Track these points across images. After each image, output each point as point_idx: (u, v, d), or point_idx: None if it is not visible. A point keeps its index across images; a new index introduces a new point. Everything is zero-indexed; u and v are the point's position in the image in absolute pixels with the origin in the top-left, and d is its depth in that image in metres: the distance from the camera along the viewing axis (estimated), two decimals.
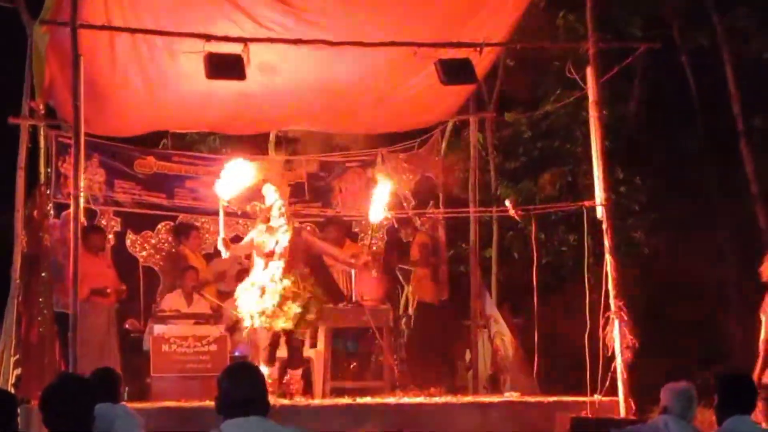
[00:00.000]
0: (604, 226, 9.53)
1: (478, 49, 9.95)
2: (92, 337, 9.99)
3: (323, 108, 11.29)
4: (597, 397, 9.10)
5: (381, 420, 9.01)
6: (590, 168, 10.01)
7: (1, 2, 10.58)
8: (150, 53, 10.02)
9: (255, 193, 10.08)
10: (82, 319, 8.87)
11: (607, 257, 9.44)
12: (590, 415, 8.85)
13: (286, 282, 9.53)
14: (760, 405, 7.40)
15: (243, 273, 10.51)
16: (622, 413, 9.07)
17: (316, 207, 12.27)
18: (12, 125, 10.11)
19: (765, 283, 8.55)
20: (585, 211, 9.77)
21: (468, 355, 11.73)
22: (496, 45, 10.80)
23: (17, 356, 9.53)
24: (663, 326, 14.16)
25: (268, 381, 8.96)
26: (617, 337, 9.19)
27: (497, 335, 11.32)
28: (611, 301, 9.31)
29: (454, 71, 9.82)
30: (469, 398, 10.09)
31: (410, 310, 11.53)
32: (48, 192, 10.64)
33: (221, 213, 9.64)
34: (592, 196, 9.82)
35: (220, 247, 9.67)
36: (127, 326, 11.09)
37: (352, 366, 10.52)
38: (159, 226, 11.96)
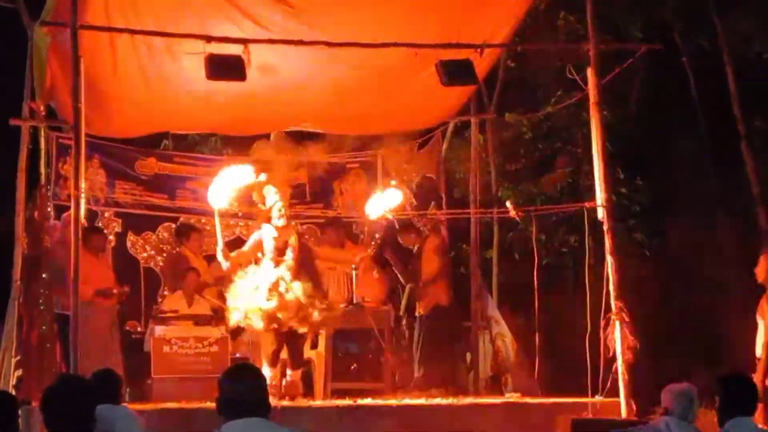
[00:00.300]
0: (605, 227, 9.53)
1: (479, 50, 9.95)
2: (95, 338, 9.99)
3: (324, 109, 11.30)
4: (598, 398, 9.11)
5: (382, 422, 9.00)
6: (591, 169, 10.01)
7: (2, 3, 10.58)
8: (150, 54, 10.03)
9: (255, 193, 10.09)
10: (85, 321, 8.89)
11: (608, 258, 9.44)
12: (591, 417, 8.85)
13: (297, 284, 9.56)
14: (761, 408, 7.40)
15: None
16: (623, 414, 9.06)
17: (317, 208, 12.27)
18: (13, 126, 10.10)
19: (761, 284, 8.56)
20: (586, 212, 9.78)
21: (469, 356, 11.72)
22: (497, 46, 10.81)
23: (18, 358, 9.52)
24: (664, 327, 14.16)
25: (271, 383, 9.03)
26: (618, 338, 9.19)
27: (498, 336, 11.32)
28: (612, 302, 9.31)
29: (455, 72, 9.82)
30: (470, 399, 10.08)
31: (417, 312, 11.43)
32: (48, 193, 10.63)
33: (217, 222, 9.64)
34: (592, 198, 9.82)
35: (220, 258, 9.69)
36: (127, 328, 11.09)
37: (352, 367, 10.52)
38: (160, 228, 11.96)
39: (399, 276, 11.49)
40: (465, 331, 11.66)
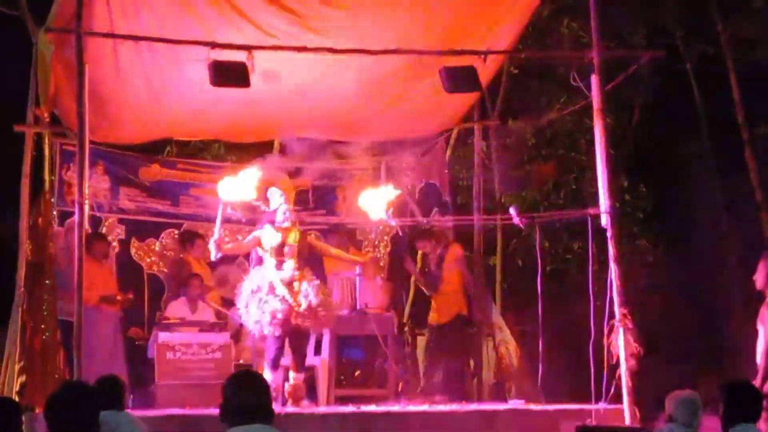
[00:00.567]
0: (609, 233, 9.52)
1: (483, 57, 9.96)
2: (100, 344, 9.99)
3: (328, 116, 11.30)
4: (602, 405, 9.09)
5: (386, 428, 9.00)
6: (595, 176, 10.01)
7: (7, 10, 10.61)
8: (154, 61, 10.04)
9: (259, 198, 10.10)
10: (88, 327, 8.88)
11: (612, 265, 9.43)
12: (595, 424, 8.83)
13: (304, 284, 9.59)
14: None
15: None
16: (627, 421, 9.05)
17: (320, 215, 12.27)
18: (17, 133, 10.12)
19: (759, 291, 8.55)
20: (589, 218, 9.77)
21: (472, 363, 11.71)
22: (501, 53, 10.83)
23: (21, 364, 9.54)
24: (668, 334, 14.15)
25: (272, 386, 9.03)
26: (622, 345, 9.18)
27: (502, 343, 11.31)
28: (616, 308, 9.30)
29: (459, 79, 9.82)
30: (473, 406, 10.08)
31: (433, 320, 11.39)
32: (52, 200, 10.63)
33: (219, 213, 9.66)
34: (596, 204, 9.82)
35: (211, 247, 9.70)
36: (130, 335, 11.09)
37: (356, 374, 10.51)
38: (163, 234, 11.96)
39: (424, 288, 11.49)
40: (469, 337, 11.66)
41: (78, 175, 8.93)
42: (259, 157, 10.79)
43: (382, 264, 12.33)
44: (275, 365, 9.67)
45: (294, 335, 9.69)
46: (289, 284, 9.60)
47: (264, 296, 9.56)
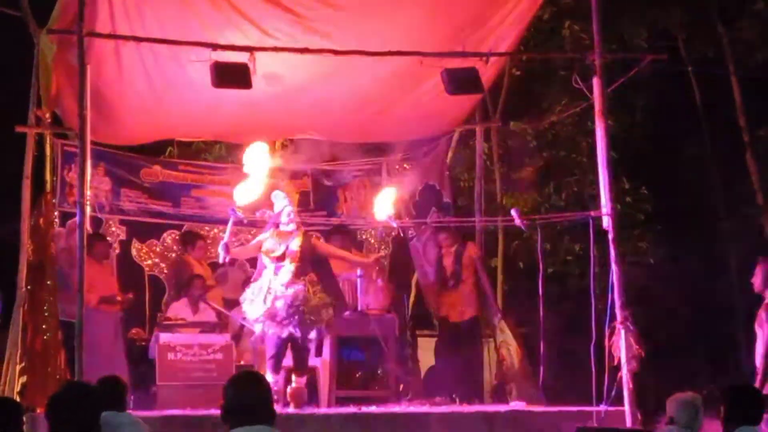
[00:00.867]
0: (610, 235, 9.52)
1: (485, 58, 9.96)
2: (100, 345, 9.99)
3: (329, 117, 11.30)
4: (603, 407, 9.09)
5: (387, 429, 9.00)
6: (596, 178, 10.01)
7: (9, 11, 10.61)
8: (156, 62, 10.04)
9: (263, 202, 10.11)
10: (89, 328, 8.88)
11: (613, 266, 9.43)
12: (596, 426, 8.83)
13: (299, 286, 9.58)
14: None
15: (249, 281, 10.51)
16: (628, 423, 9.05)
17: (321, 216, 12.27)
18: (18, 133, 10.13)
19: (758, 294, 8.55)
20: (591, 220, 9.77)
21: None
22: (503, 55, 10.83)
23: (23, 364, 9.54)
24: (669, 336, 14.16)
25: (273, 389, 9.03)
26: (623, 346, 9.18)
27: (503, 345, 11.30)
28: (617, 310, 9.30)
29: (460, 81, 9.83)
30: (475, 407, 10.08)
31: (447, 317, 11.39)
32: (54, 200, 10.64)
33: (231, 220, 9.68)
34: (598, 206, 9.82)
35: (220, 250, 9.70)
36: (131, 335, 11.09)
37: (357, 375, 10.51)
38: (164, 235, 11.96)
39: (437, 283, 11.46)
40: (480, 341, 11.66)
41: (79, 176, 8.93)
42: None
43: (383, 265, 12.31)
44: (277, 367, 9.66)
45: (293, 339, 9.69)
46: (279, 290, 9.60)
47: (267, 298, 9.57)
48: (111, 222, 11.67)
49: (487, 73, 10.40)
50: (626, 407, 9.16)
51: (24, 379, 9.48)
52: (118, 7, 9.45)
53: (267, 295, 9.63)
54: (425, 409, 9.85)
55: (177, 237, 11.93)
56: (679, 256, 15.08)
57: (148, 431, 6.89)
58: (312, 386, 10.25)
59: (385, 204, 10.40)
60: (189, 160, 13.10)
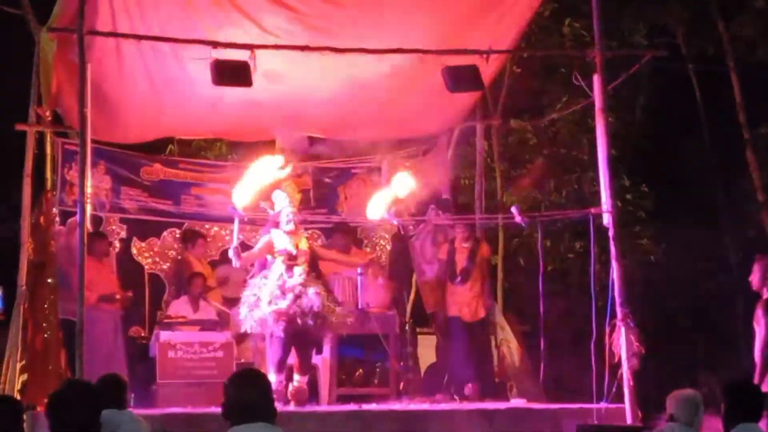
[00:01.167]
0: (611, 233, 9.53)
1: (485, 56, 9.96)
2: (99, 343, 9.99)
3: (329, 114, 11.30)
4: (603, 404, 9.09)
5: (387, 427, 9.00)
6: (596, 175, 10.01)
7: (9, 9, 10.62)
8: (156, 60, 10.04)
9: (264, 199, 10.09)
10: (89, 326, 8.88)
11: (613, 264, 9.43)
12: (596, 423, 8.84)
13: (318, 288, 9.58)
14: None
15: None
16: (629, 421, 9.06)
17: (322, 214, 12.26)
18: (19, 131, 10.13)
19: (755, 291, 8.55)
20: (591, 218, 9.77)
21: None
22: (503, 52, 10.82)
23: (23, 362, 9.55)
24: (670, 333, 14.16)
25: (276, 389, 9.04)
26: (623, 344, 9.18)
27: (503, 342, 11.31)
28: (617, 308, 9.30)
29: (461, 78, 9.82)
30: (475, 405, 10.07)
31: (461, 315, 11.36)
32: (54, 199, 10.64)
33: (236, 221, 9.62)
34: (598, 203, 9.82)
35: (232, 256, 9.61)
36: (131, 333, 11.10)
37: (358, 372, 10.52)
38: (165, 233, 11.96)
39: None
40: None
41: (80, 174, 8.93)
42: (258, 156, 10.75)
43: (383, 263, 12.31)
44: (280, 368, 9.62)
45: (301, 339, 9.65)
46: (297, 289, 9.56)
47: (272, 298, 9.52)
48: (111, 220, 11.67)
49: (488, 70, 10.39)
50: (626, 404, 9.16)
51: (24, 377, 9.48)
52: (118, 5, 9.45)
53: (280, 294, 9.53)
54: (426, 406, 9.85)
55: (177, 235, 11.93)
56: (679, 254, 15.07)
57: (149, 429, 6.89)
58: (313, 384, 10.24)
59: (384, 201, 10.38)
60: (189, 158, 13.10)
